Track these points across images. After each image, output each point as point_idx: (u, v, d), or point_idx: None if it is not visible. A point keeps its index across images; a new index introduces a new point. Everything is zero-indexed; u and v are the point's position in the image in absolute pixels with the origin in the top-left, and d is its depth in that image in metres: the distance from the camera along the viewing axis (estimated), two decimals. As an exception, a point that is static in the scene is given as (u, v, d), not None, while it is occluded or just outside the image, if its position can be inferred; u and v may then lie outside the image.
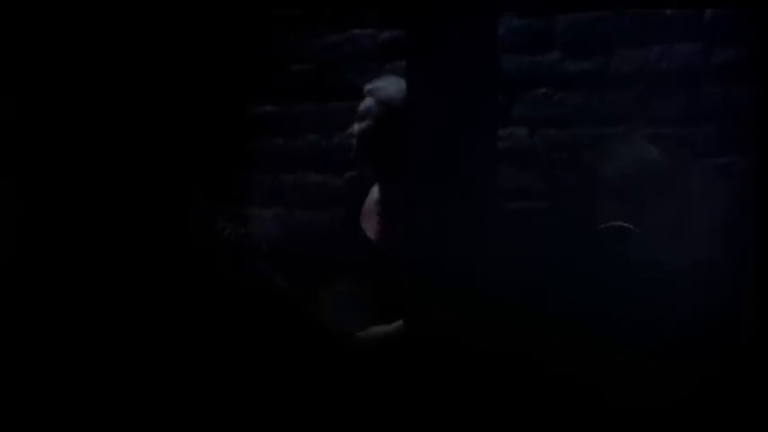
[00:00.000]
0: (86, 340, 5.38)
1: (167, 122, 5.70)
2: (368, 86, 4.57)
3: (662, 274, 4.75)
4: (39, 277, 5.40)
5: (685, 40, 5.19)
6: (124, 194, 5.54)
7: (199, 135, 5.71)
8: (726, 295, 4.93)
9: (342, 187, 5.54)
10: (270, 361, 4.94)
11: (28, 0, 5.49)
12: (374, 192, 4.64)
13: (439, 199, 5.05)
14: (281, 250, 4.41)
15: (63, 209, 5.50)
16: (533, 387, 4.77)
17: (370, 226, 4.49)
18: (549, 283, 4.87)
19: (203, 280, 5.22)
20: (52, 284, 5.42)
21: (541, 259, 5.11)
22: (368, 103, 4.48)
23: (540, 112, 5.41)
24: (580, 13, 5.34)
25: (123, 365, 5.32)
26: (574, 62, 5.36)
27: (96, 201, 5.50)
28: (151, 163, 5.63)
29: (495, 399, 4.59)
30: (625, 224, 4.78)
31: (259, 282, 4.23)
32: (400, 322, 4.12)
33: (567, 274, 4.81)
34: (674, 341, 4.75)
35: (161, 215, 5.50)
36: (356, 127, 4.52)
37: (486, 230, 4.95)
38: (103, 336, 5.38)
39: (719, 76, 5.13)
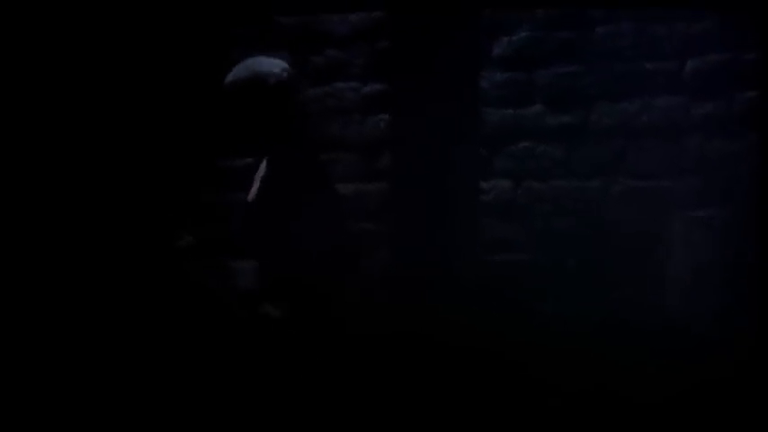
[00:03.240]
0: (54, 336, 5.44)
1: (145, 172, 5.72)
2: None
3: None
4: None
5: (666, 94, 5.23)
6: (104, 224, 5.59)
7: (180, 186, 5.72)
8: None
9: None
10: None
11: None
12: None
13: (424, 248, 5.08)
14: None
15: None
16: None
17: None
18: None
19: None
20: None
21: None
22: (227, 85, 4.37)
23: (522, 165, 5.44)
24: (561, 67, 5.39)
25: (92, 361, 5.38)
26: (555, 116, 5.40)
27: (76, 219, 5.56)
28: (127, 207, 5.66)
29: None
30: None
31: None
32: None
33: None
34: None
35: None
36: None
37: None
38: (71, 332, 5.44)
39: (700, 129, 5.17)
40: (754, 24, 5.00)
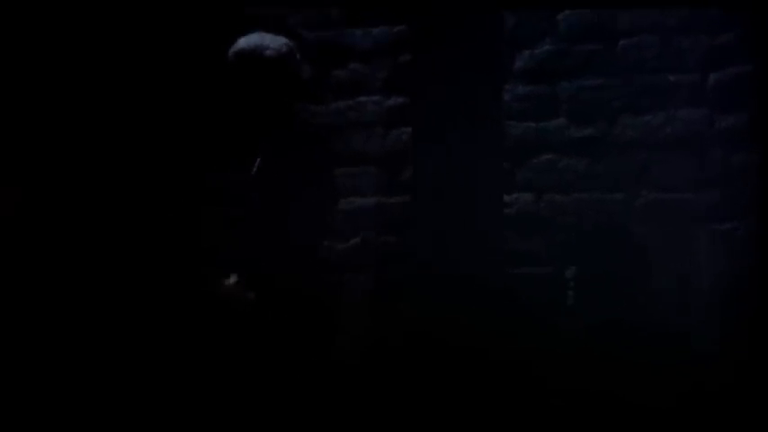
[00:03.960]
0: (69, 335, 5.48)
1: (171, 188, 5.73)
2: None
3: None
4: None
5: (688, 107, 5.23)
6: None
7: (200, 195, 5.73)
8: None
9: (350, 255, 5.55)
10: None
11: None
12: None
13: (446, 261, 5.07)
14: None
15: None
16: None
17: None
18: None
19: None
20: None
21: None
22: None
23: (545, 178, 5.44)
24: (584, 79, 5.39)
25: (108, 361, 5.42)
26: (578, 129, 5.40)
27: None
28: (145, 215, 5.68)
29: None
30: None
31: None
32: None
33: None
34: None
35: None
36: None
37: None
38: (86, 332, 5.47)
39: (723, 141, 5.16)
40: (762, 35, 5.01)
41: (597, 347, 4.92)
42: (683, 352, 4.98)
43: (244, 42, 4.21)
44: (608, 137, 5.35)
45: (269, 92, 4.19)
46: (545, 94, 5.44)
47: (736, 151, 5.15)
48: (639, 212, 5.30)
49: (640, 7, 5.26)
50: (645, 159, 5.30)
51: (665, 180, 5.27)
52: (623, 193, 5.32)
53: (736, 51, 5.11)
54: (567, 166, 5.41)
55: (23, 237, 5.58)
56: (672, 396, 4.83)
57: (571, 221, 5.38)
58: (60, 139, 5.67)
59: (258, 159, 4.29)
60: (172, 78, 5.73)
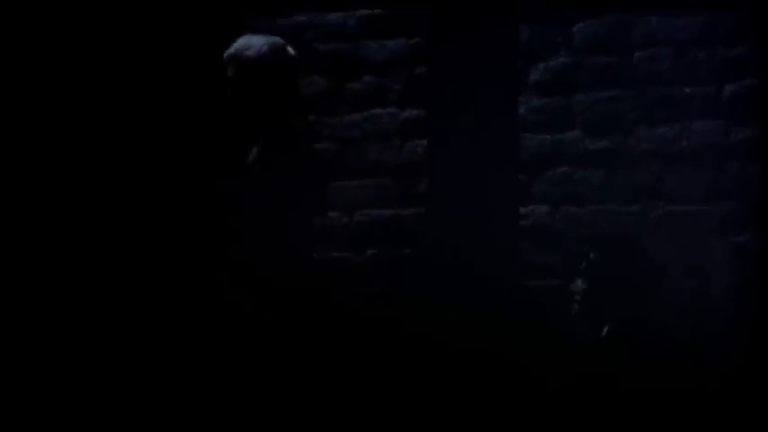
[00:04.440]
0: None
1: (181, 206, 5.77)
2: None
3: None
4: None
5: (704, 119, 5.23)
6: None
7: (215, 209, 5.76)
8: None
9: (363, 264, 5.56)
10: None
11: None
12: None
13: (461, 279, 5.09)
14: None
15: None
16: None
17: None
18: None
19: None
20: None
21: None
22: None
23: (560, 190, 5.44)
24: (599, 92, 5.39)
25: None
26: (593, 141, 5.40)
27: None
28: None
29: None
30: None
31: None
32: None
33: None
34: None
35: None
36: None
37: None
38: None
39: (739, 153, 5.16)
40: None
41: (608, 357, 4.92)
42: (695, 364, 4.98)
43: (234, 45, 4.29)
44: (623, 149, 5.36)
45: (252, 93, 4.24)
46: (560, 106, 5.45)
47: (752, 163, 5.14)
48: (655, 224, 5.30)
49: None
50: (660, 171, 5.30)
51: (681, 192, 5.27)
52: (639, 205, 5.32)
53: (752, 63, 5.11)
54: (583, 179, 5.41)
55: (25, 237, 5.62)
56: (680, 406, 4.82)
57: (586, 233, 5.38)
58: (63, 142, 5.70)
59: (258, 162, 4.32)
60: (178, 83, 5.76)
